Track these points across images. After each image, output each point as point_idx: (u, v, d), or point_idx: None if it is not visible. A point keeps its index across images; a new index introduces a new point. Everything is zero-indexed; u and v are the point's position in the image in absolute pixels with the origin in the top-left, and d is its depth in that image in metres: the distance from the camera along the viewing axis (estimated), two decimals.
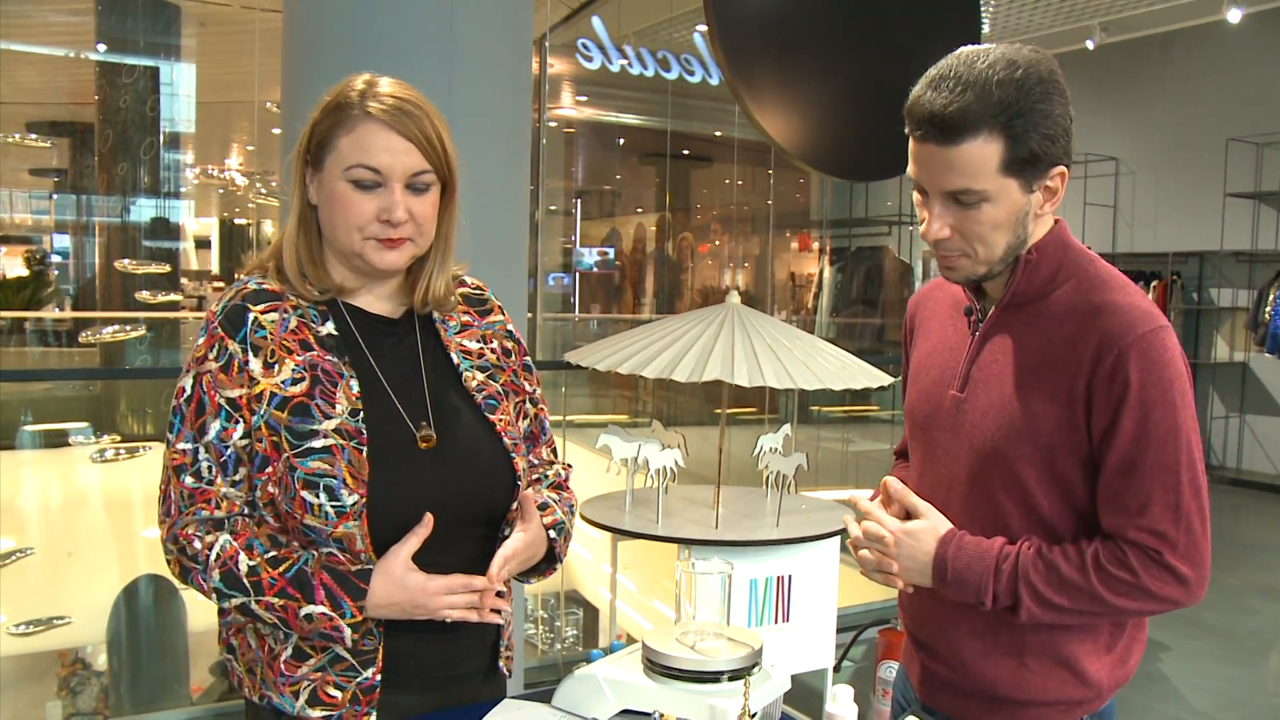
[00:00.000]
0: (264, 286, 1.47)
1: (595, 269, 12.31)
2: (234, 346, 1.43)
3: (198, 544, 1.40)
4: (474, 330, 1.61)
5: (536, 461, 1.66)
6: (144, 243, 7.83)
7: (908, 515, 1.54)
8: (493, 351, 1.60)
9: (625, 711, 1.47)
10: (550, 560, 1.58)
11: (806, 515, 3.59)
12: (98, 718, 3.92)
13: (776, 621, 3.48)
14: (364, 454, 1.41)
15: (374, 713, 1.42)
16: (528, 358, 1.65)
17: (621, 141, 11.20)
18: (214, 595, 1.40)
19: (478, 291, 1.66)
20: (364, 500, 1.40)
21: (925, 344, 1.64)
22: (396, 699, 1.45)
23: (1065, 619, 1.43)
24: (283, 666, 1.44)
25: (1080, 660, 1.48)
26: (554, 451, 1.70)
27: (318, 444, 1.40)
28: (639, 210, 12.82)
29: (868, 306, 9.37)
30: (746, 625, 3.42)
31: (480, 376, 1.57)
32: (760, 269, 11.39)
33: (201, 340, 1.44)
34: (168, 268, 6.92)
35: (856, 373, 3.44)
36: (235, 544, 1.39)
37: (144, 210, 8.03)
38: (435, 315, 1.57)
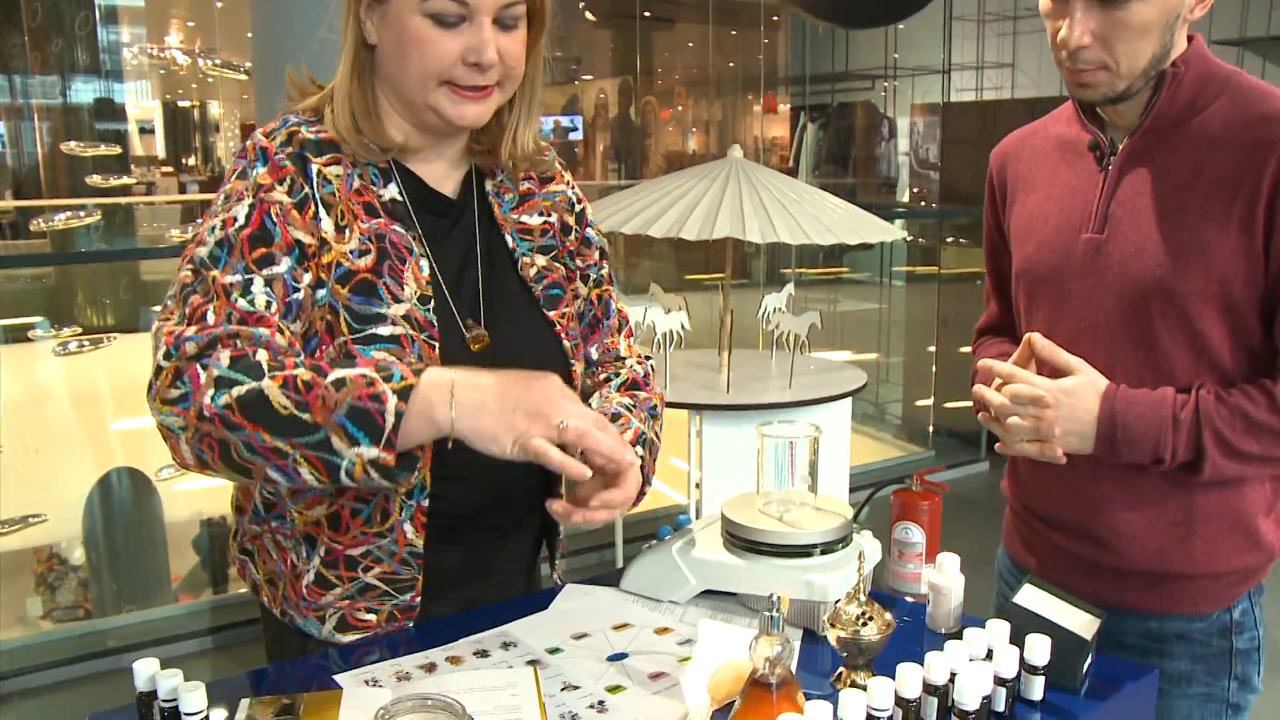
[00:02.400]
0: (320, 135, 1.22)
1: (553, 137, 11.93)
2: (308, 189, 1.19)
3: (222, 350, 1.08)
4: (535, 202, 1.37)
5: (596, 357, 1.43)
6: (94, 124, 7.39)
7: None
8: (552, 227, 1.38)
9: (704, 593, 1.33)
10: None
11: (818, 376, 3.50)
12: (78, 611, 3.82)
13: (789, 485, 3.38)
14: (436, 351, 1.20)
15: (410, 623, 1.28)
16: (590, 229, 1.42)
17: (581, 4, 10.72)
18: (209, 390, 1.05)
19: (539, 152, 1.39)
20: None
21: (1034, 195, 1.44)
22: (429, 607, 1.30)
23: (1250, 470, 1.27)
24: (305, 591, 1.26)
25: (1254, 520, 1.33)
26: (631, 343, 1.46)
27: (384, 331, 1.18)
28: (600, 76, 12.38)
29: (849, 164, 9.14)
30: (757, 489, 3.33)
31: (540, 262, 1.35)
32: (724, 133, 11.07)
33: (261, 170, 1.18)
34: (118, 149, 6.52)
35: (870, 226, 3.28)
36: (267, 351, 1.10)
37: (84, 92, 7.56)
38: (489, 188, 1.34)
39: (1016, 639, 1.10)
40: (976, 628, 1.12)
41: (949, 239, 5.82)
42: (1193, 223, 1.26)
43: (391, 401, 1.02)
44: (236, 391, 1.04)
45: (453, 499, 1.27)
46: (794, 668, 1.15)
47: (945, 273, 5.74)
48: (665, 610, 1.32)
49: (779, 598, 1.00)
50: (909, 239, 5.85)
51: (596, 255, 1.43)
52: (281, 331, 1.13)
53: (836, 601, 1.17)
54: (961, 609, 1.26)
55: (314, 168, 1.19)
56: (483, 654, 1.19)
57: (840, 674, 1.14)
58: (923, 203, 7.73)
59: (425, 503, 1.24)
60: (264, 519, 1.28)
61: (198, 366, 1.06)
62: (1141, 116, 1.32)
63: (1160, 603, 1.35)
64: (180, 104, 16.21)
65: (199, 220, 1.21)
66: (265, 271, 1.14)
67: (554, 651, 1.20)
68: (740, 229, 3.05)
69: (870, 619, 1.11)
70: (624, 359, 1.45)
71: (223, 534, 4.03)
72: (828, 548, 1.29)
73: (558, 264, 1.37)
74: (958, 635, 1.23)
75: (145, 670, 1.04)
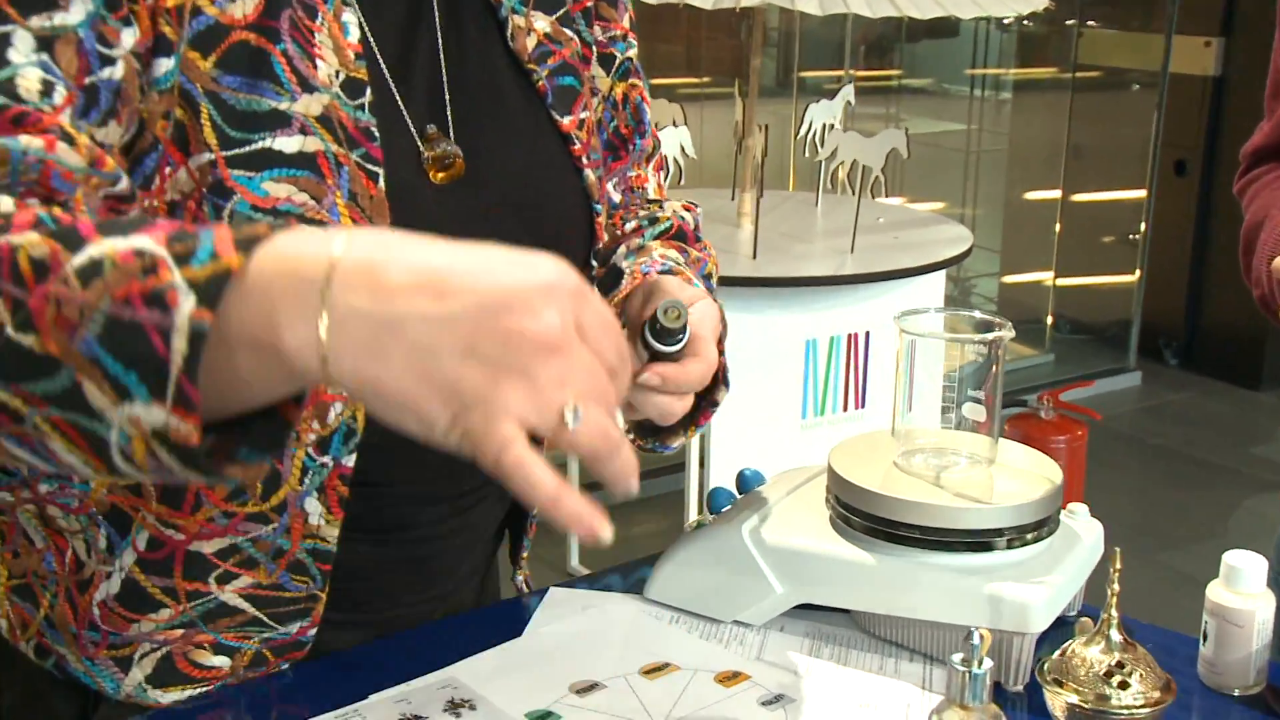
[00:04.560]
0: None
1: None
2: None
3: None
4: None
5: (618, 199, 1.35)
6: None
7: None
8: None
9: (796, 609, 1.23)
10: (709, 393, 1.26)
11: (893, 234, 3.47)
12: None
13: (846, 408, 3.37)
14: (379, 186, 1.08)
15: (286, 666, 1.21)
16: None
17: None
18: None
19: None
20: None
21: None
22: (321, 636, 1.21)
23: None
24: (96, 613, 1.14)
25: None
26: (663, 176, 1.40)
27: (286, 145, 1.04)
28: None
29: None
30: (801, 414, 3.27)
31: (542, 26, 1.24)
32: None
33: None
34: None
35: None
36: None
37: None
38: None
39: None
40: None
41: (1088, 21, 5.71)
42: None
43: (184, 305, 0.75)
44: None
45: (389, 454, 1.17)
46: None
47: (1082, 76, 5.65)
48: (728, 639, 1.22)
49: (981, 635, 0.91)
50: (1023, 19, 5.72)
51: (625, 22, 1.34)
52: (71, 141, 0.93)
53: (1066, 642, 1.03)
54: (1269, 652, 1.13)
55: None
56: None
57: None
58: None
59: (350, 461, 1.12)
60: (21, 479, 1.15)
61: None
62: None
63: None
64: None
65: None
66: (35, 22, 0.93)
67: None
68: None
69: (1131, 675, 0.99)
70: (659, 202, 1.38)
71: None
72: (1021, 535, 1.16)
73: (569, 32, 1.25)
74: (1260, 702, 1.14)
75: None
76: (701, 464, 3.18)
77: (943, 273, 3.31)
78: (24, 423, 0.79)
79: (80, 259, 0.77)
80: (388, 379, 0.73)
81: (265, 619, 1.16)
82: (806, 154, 3.54)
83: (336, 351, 0.73)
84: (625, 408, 1.14)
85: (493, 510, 1.33)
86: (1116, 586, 0.98)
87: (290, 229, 0.77)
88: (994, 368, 1.22)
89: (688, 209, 1.37)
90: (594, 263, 1.28)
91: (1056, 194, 5.67)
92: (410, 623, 1.27)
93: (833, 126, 3.53)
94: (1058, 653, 1.01)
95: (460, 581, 1.33)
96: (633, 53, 1.34)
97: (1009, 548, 1.15)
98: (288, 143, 1.04)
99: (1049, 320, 5.68)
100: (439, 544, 1.27)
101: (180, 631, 1.15)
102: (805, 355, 3.21)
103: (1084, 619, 1.03)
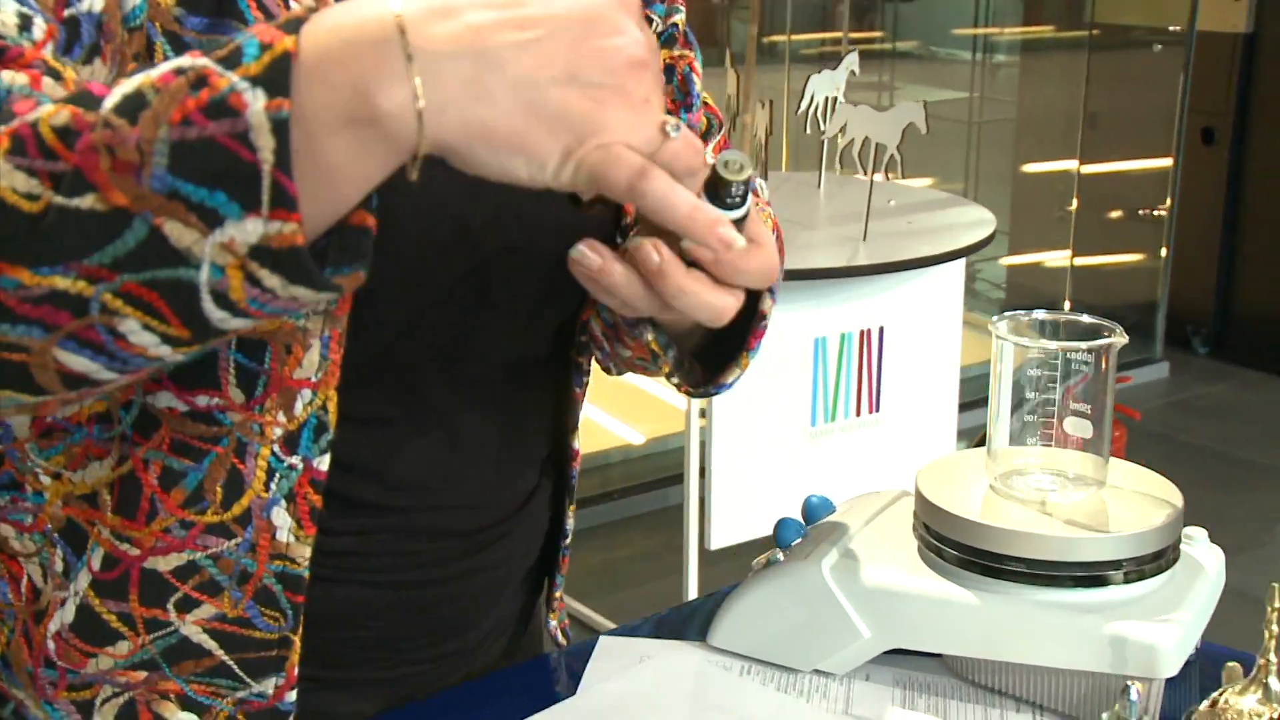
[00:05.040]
0: None
1: None
2: None
3: None
4: None
5: None
6: None
7: None
8: None
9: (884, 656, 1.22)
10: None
11: (905, 219, 3.48)
12: None
13: (859, 412, 3.37)
14: None
15: None
16: None
17: None
18: None
19: None
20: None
21: None
22: (316, 698, 1.20)
23: None
24: (51, 646, 1.14)
25: None
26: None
27: None
28: None
29: None
30: (810, 420, 3.27)
31: None
32: None
33: None
34: None
35: None
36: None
37: None
38: None
39: None
40: None
41: None
42: None
43: (254, 103, 0.77)
44: None
45: (379, 476, 1.18)
46: None
47: (1099, 35, 5.69)
48: (809, 691, 1.21)
49: (1137, 689, 0.90)
50: None
51: None
52: (58, 76, 0.93)
53: (1218, 693, 1.00)
54: None
55: None
56: None
57: None
58: None
59: (322, 464, 1.11)
60: None
61: None
62: None
63: None
64: None
65: None
66: None
67: None
68: None
69: None
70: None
71: None
72: (1140, 567, 1.15)
73: None
74: None
75: None
76: (702, 474, 3.16)
77: (962, 261, 3.31)
78: (88, 310, 0.81)
79: (113, 100, 0.79)
80: (497, 119, 0.79)
81: (234, 667, 1.14)
82: (808, 130, 3.51)
83: (438, 104, 0.78)
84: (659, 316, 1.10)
85: (518, 550, 1.31)
86: (1276, 628, 0.96)
87: (322, 9, 0.81)
88: (1104, 367, 1.20)
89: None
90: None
91: (1072, 166, 5.69)
92: (420, 687, 1.26)
93: (836, 99, 3.53)
94: (1206, 703, 0.98)
95: (483, 637, 1.31)
96: (678, 19, 1.32)
97: (1125, 581, 1.13)
98: None
99: (1065, 306, 5.69)
100: (448, 588, 1.26)
101: (143, 674, 1.14)
102: (814, 355, 3.22)
103: (1231, 664, 1.00)
